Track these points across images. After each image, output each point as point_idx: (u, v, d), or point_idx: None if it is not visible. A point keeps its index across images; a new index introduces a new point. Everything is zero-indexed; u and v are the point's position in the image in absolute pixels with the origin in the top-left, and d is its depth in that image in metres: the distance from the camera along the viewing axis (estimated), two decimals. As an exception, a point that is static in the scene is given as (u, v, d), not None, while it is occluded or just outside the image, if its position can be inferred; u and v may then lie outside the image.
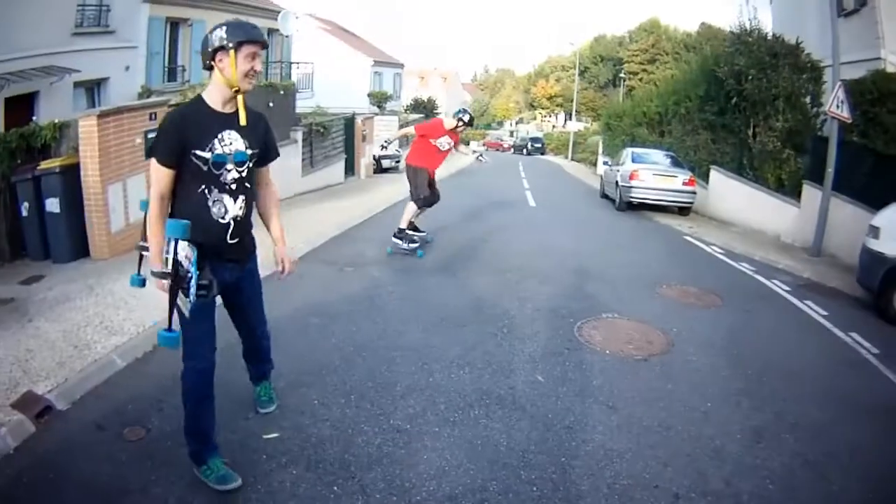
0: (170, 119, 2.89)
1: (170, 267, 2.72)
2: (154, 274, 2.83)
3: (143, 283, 3.28)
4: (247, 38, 2.82)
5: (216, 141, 2.86)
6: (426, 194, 8.25)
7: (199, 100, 2.91)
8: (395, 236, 8.27)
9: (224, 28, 2.81)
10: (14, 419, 3.44)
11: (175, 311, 2.82)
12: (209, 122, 2.87)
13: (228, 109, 2.92)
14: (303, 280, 6.72)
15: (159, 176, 2.81)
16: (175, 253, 2.72)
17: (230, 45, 2.78)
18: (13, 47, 10.74)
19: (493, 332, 5.45)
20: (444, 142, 8.21)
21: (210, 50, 2.80)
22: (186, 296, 2.76)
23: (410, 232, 8.36)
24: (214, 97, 2.89)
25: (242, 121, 2.92)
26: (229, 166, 2.91)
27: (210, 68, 2.86)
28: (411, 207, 8.28)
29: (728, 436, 3.86)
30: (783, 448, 3.76)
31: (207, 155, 2.84)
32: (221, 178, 2.91)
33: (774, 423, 4.11)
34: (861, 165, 10.30)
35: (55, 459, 3.21)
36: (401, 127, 19.94)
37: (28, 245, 7.04)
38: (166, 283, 2.76)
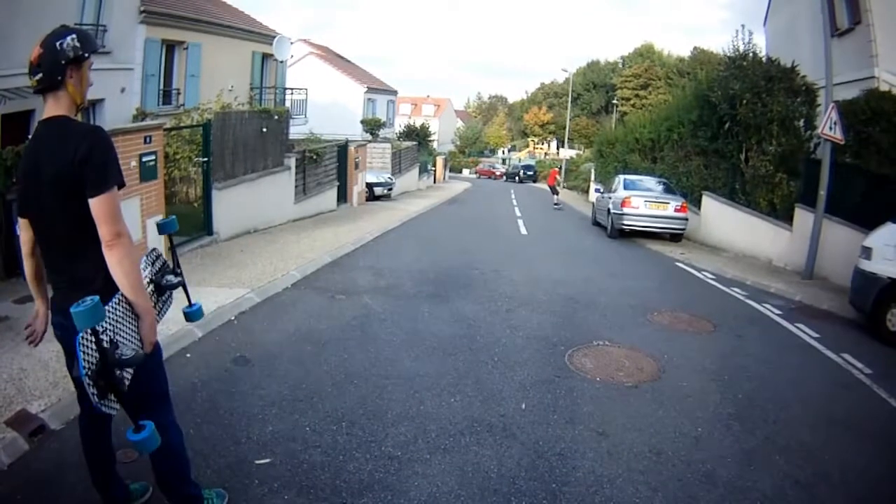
0: (110, 137, 2.44)
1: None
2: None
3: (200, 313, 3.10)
4: (96, 46, 2.49)
5: None
6: (557, 191, 26.96)
7: (70, 119, 2.43)
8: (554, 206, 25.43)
9: (74, 37, 2.38)
10: (7, 437, 3.46)
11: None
12: None
13: None
14: (295, 307, 6.76)
15: (118, 205, 2.39)
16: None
17: (85, 55, 2.42)
18: (10, 63, 10.62)
19: (484, 361, 5.46)
20: (558, 178, 29.25)
21: (63, 63, 2.35)
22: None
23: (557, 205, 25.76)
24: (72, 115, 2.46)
25: None
26: None
27: (57, 86, 2.38)
28: (553, 196, 26.60)
29: (719, 460, 3.86)
30: (774, 470, 3.77)
31: None
32: None
33: (765, 445, 4.12)
34: (854, 186, 10.36)
35: (48, 478, 3.22)
36: (394, 153, 26.59)
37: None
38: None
